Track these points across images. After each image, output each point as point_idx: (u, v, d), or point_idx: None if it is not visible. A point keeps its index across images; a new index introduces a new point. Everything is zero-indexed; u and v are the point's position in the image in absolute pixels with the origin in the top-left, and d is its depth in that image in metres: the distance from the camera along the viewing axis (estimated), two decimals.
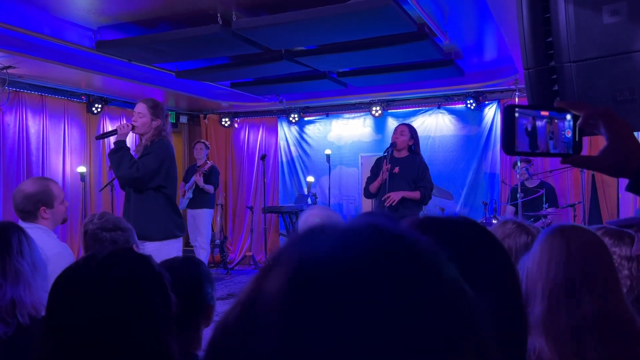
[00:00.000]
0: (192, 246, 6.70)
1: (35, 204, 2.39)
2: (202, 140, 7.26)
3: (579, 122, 0.93)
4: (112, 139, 3.67)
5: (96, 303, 1.01)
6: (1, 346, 1.40)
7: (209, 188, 6.64)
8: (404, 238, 0.39)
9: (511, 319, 0.77)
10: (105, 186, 6.28)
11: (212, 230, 8.15)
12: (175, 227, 3.59)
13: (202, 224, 6.59)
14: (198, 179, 6.52)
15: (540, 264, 1.18)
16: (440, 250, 0.40)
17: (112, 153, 3.51)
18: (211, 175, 6.67)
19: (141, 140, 3.62)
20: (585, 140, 1.00)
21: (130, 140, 3.65)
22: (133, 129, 3.54)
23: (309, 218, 2.26)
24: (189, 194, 6.62)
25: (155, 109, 3.56)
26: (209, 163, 6.74)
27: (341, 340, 0.32)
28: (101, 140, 7.18)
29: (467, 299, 0.38)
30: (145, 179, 3.44)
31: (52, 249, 2.29)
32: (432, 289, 0.36)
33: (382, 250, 0.37)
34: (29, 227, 2.28)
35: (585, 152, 0.97)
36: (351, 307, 0.33)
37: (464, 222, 0.86)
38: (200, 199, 6.62)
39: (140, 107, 3.55)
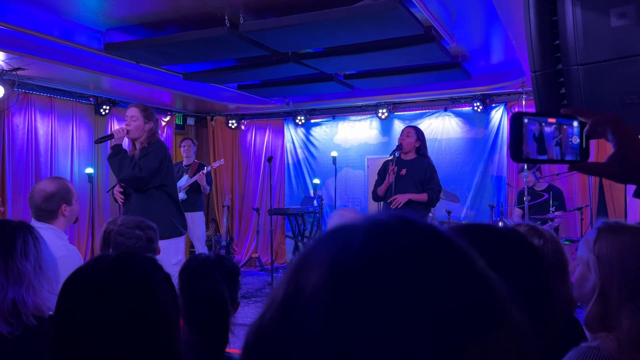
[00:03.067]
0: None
1: (57, 202, 2.46)
2: (189, 137, 6.91)
3: (586, 129, 0.93)
4: (110, 143, 3.79)
5: (108, 304, 1.01)
6: (8, 346, 1.42)
7: (208, 188, 6.34)
8: (433, 229, 0.40)
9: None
10: (113, 187, 6.27)
11: (219, 231, 8.17)
12: (180, 224, 3.70)
13: (198, 228, 6.22)
14: (201, 177, 6.13)
15: (612, 262, 1.12)
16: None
17: (111, 157, 3.64)
18: (208, 175, 6.36)
19: (134, 145, 3.71)
20: (593, 145, 0.99)
21: (124, 145, 3.75)
22: (127, 133, 3.62)
23: (341, 220, 2.26)
24: (182, 195, 6.14)
25: (147, 112, 3.70)
26: (221, 161, 6.50)
27: (385, 327, 0.34)
28: (109, 142, 7.21)
29: (499, 288, 0.39)
30: (147, 179, 3.56)
31: (59, 252, 2.32)
32: (467, 276, 0.38)
33: (416, 239, 0.39)
34: (41, 227, 2.31)
35: (592, 157, 0.96)
36: (391, 295, 0.35)
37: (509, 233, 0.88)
38: (195, 201, 6.24)
39: (133, 112, 3.69)
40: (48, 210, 2.43)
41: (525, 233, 1.61)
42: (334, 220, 2.31)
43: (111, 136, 3.71)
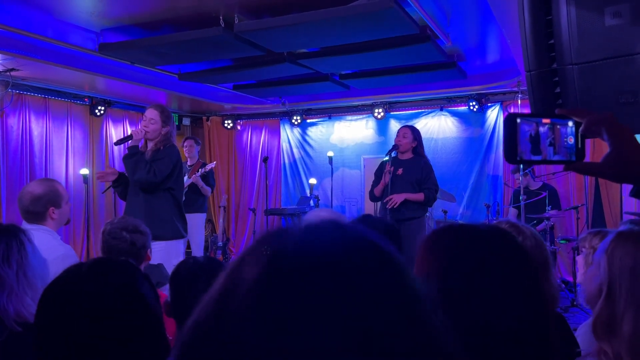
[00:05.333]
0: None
1: (44, 205, 2.42)
2: (192, 137, 6.65)
3: (581, 128, 0.93)
4: (120, 143, 3.89)
5: (91, 309, 1.00)
6: None
7: (208, 190, 6.02)
8: (367, 239, 0.42)
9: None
10: (108, 188, 6.19)
11: (215, 232, 8.15)
12: (182, 227, 3.78)
13: (196, 231, 5.87)
14: (197, 179, 5.82)
15: (622, 271, 1.09)
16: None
17: (127, 158, 3.69)
18: (209, 176, 6.02)
19: (145, 144, 3.73)
20: (588, 144, 0.99)
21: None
22: (145, 134, 3.66)
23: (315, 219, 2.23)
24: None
25: (165, 116, 3.74)
26: (213, 163, 6.43)
27: (313, 326, 0.35)
28: (104, 142, 7.21)
29: (426, 302, 0.40)
30: (159, 183, 3.62)
31: (56, 252, 2.30)
32: (392, 289, 0.39)
33: (345, 242, 0.41)
34: (33, 229, 2.28)
35: (588, 156, 0.96)
36: (320, 294, 0.37)
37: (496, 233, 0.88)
38: (194, 202, 5.85)
39: (153, 114, 3.70)
40: (35, 212, 2.40)
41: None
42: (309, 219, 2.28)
43: (130, 137, 3.74)
